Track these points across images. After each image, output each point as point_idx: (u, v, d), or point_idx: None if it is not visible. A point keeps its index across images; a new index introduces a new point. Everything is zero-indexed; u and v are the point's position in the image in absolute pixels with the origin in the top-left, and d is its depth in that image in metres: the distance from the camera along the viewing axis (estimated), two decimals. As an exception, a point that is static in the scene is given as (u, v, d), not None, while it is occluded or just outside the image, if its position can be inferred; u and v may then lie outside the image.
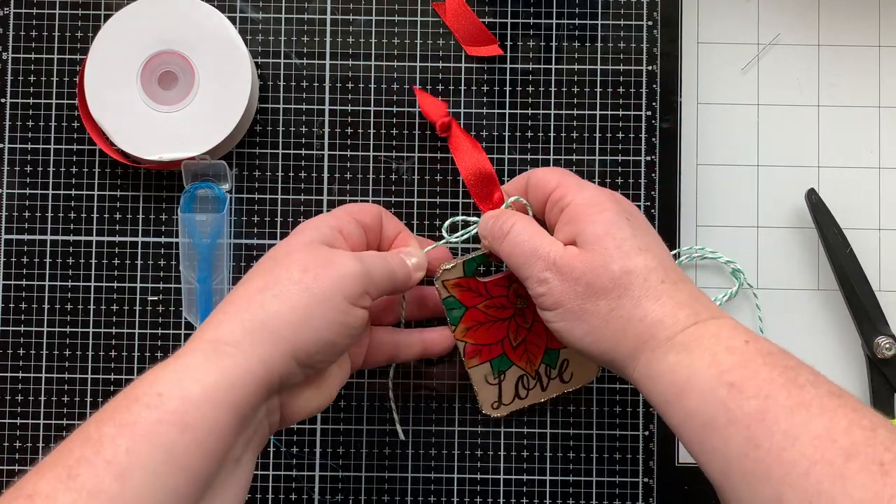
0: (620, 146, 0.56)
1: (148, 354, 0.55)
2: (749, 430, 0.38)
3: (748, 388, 0.39)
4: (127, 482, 0.36)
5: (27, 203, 0.56)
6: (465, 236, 0.54)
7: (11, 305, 0.56)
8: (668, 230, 0.56)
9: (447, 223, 0.54)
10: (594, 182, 0.56)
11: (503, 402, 0.55)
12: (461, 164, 0.54)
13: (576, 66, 0.57)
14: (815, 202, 0.55)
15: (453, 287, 0.53)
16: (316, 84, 0.57)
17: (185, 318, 0.56)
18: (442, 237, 0.53)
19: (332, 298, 0.43)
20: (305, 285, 0.43)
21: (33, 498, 0.36)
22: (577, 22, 0.57)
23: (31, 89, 0.56)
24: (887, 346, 0.54)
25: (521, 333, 0.54)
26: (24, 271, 0.56)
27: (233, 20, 0.56)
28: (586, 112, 0.57)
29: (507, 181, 0.54)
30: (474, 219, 0.53)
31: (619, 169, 0.56)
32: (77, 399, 0.56)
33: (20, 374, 0.56)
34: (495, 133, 0.57)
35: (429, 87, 0.57)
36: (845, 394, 0.39)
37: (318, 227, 0.46)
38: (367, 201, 0.56)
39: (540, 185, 0.49)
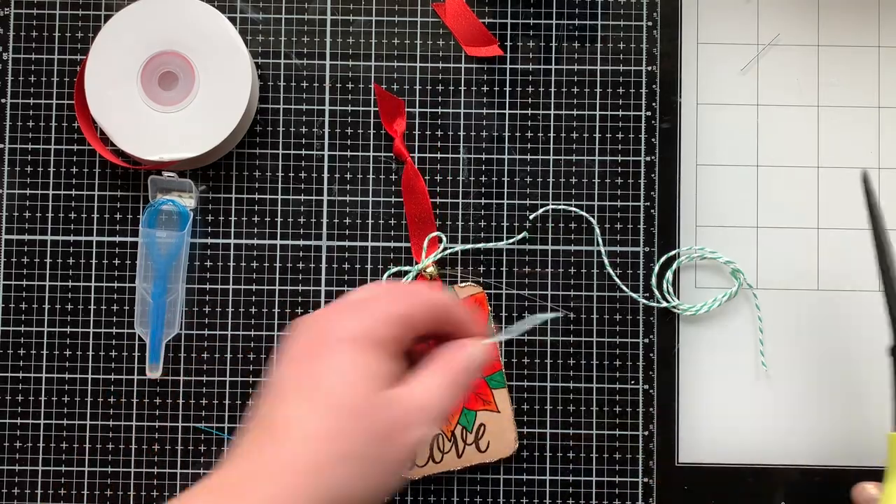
0: (620, 146, 0.56)
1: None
2: None
3: None
4: None
5: (27, 203, 0.56)
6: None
7: (11, 305, 0.56)
8: (668, 230, 0.56)
9: (387, 274, 0.55)
10: (594, 182, 0.56)
11: (416, 464, 0.54)
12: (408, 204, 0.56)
13: (576, 66, 0.57)
14: (868, 187, 0.51)
15: None
16: (316, 84, 0.57)
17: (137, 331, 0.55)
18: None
19: (403, 467, 0.38)
20: (381, 458, 0.38)
21: None
22: (577, 22, 0.57)
23: (31, 89, 0.57)
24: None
25: None
26: (25, 271, 0.56)
27: (233, 20, 0.56)
28: (586, 112, 0.57)
29: (508, 190, 0.54)
30: (409, 268, 0.55)
31: (619, 169, 0.56)
32: (77, 399, 0.56)
33: (20, 374, 0.56)
34: (495, 133, 0.57)
35: (429, 87, 0.57)
36: None
37: (377, 348, 0.39)
38: (368, 202, 0.56)
39: None
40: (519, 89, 0.57)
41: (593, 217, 0.56)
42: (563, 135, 0.57)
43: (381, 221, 0.56)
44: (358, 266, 0.56)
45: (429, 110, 0.57)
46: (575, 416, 0.56)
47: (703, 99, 0.57)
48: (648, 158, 0.56)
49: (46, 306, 0.56)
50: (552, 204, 0.56)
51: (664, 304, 0.56)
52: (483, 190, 0.56)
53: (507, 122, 0.57)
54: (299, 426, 0.37)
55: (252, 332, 0.56)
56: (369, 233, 0.56)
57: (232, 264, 0.56)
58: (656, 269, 0.56)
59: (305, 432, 0.37)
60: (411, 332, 0.40)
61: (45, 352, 0.56)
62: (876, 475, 0.55)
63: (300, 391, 0.38)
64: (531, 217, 0.56)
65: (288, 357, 0.39)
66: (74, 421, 0.55)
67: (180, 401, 0.56)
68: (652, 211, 0.56)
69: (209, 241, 0.56)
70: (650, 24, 0.57)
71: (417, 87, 0.57)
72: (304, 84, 0.57)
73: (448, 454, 0.54)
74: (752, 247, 0.57)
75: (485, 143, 0.57)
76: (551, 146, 0.56)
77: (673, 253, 0.56)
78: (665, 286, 0.56)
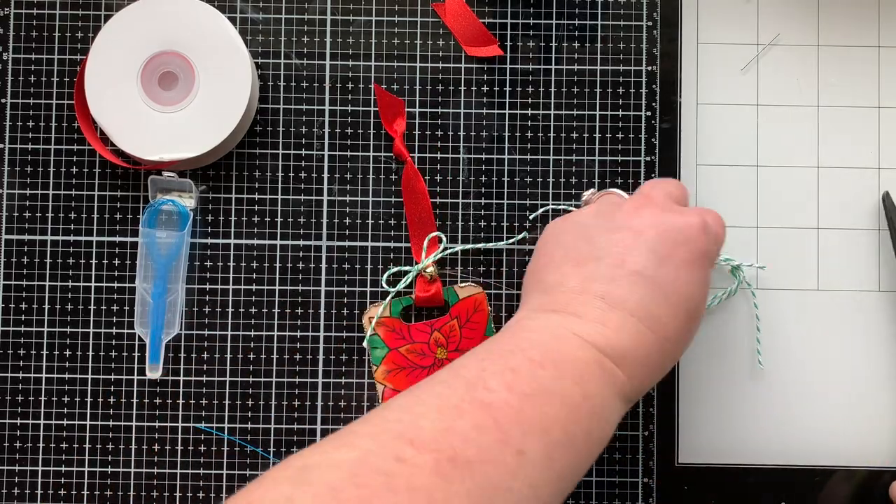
0: (620, 146, 0.56)
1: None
2: None
3: None
4: None
5: (27, 203, 0.56)
6: (403, 285, 0.55)
7: (11, 305, 0.56)
8: (668, 230, 0.56)
9: (387, 274, 0.55)
10: (593, 182, 0.56)
11: None
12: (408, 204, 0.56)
13: (576, 66, 0.57)
14: (888, 206, 0.55)
15: (378, 325, 0.54)
16: (316, 84, 0.57)
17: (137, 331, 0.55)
18: (384, 289, 0.55)
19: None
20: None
21: None
22: (577, 22, 0.57)
23: (31, 89, 0.57)
24: None
25: None
26: (24, 271, 0.56)
27: (233, 20, 0.56)
28: (586, 112, 0.57)
29: (507, 182, 0.54)
30: (408, 268, 0.55)
31: (619, 169, 0.56)
32: (77, 399, 0.56)
33: (20, 374, 0.56)
34: (495, 133, 0.57)
35: (429, 87, 0.57)
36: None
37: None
38: (368, 202, 0.56)
39: None
40: (519, 89, 0.57)
41: (593, 217, 0.56)
42: (563, 135, 0.57)
43: (381, 221, 0.56)
44: (358, 266, 0.56)
45: (429, 110, 0.57)
46: (575, 416, 0.56)
47: (703, 99, 0.57)
48: (648, 158, 0.56)
49: (46, 306, 0.56)
50: (552, 204, 0.56)
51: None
52: (483, 190, 0.56)
53: (507, 122, 0.57)
54: (665, 328, 0.43)
55: (252, 332, 0.56)
56: (369, 233, 0.56)
57: (232, 264, 0.56)
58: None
59: (669, 334, 0.43)
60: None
61: (45, 352, 0.56)
62: (877, 476, 0.55)
63: (665, 292, 0.43)
64: (531, 217, 0.56)
65: (642, 239, 0.44)
66: (74, 421, 0.55)
67: (180, 401, 0.56)
68: (652, 211, 0.56)
69: (209, 241, 0.56)
70: (650, 24, 0.57)
71: (417, 87, 0.57)
72: (304, 84, 0.57)
73: None
74: (752, 247, 0.57)
75: (485, 143, 0.57)
76: (551, 146, 0.56)
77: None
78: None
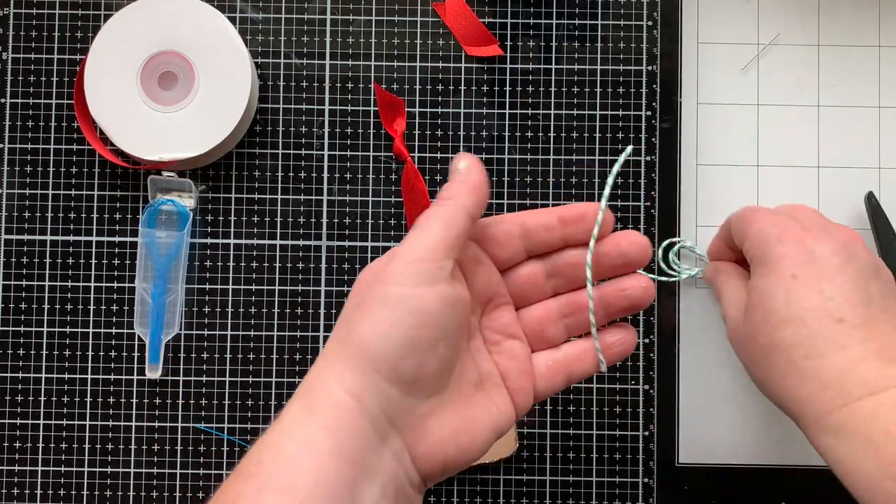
0: (620, 146, 0.56)
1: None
2: None
3: None
4: None
5: (27, 203, 0.56)
6: None
7: (11, 305, 0.56)
8: (668, 230, 0.56)
9: None
10: (594, 182, 0.56)
11: None
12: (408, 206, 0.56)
13: (576, 66, 0.57)
14: (874, 205, 0.55)
15: None
16: (316, 84, 0.57)
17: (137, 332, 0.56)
18: None
19: (382, 291, 0.37)
20: (358, 295, 0.39)
21: None
22: (577, 22, 0.57)
23: (31, 89, 0.57)
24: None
25: None
26: (24, 271, 0.56)
27: (233, 20, 0.56)
28: (586, 112, 0.57)
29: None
30: None
31: (619, 169, 0.56)
32: (77, 399, 0.56)
33: (20, 374, 0.56)
34: (495, 133, 0.57)
35: (429, 87, 0.57)
36: None
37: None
38: (368, 202, 0.56)
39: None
40: (519, 89, 0.57)
41: (593, 217, 0.56)
42: (563, 135, 0.57)
43: (381, 221, 0.56)
44: (358, 266, 0.56)
45: (429, 110, 0.57)
46: (575, 416, 0.56)
47: (703, 99, 0.57)
48: (648, 158, 0.56)
49: (46, 306, 0.56)
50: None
51: (673, 277, 0.56)
52: (483, 190, 0.56)
53: (507, 122, 0.57)
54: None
55: (252, 332, 0.56)
56: (369, 233, 0.56)
57: (232, 264, 0.56)
58: (660, 252, 0.56)
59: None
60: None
61: (44, 352, 0.56)
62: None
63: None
64: None
65: None
66: (74, 421, 0.55)
67: (180, 401, 0.56)
68: (652, 211, 0.56)
69: (209, 241, 0.56)
70: (650, 24, 0.57)
71: (417, 87, 0.57)
72: (304, 84, 0.57)
73: None
74: (752, 247, 0.57)
75: (485, 143, 0.57)
76: (551, 146, 0.56)
77: (666, 243, 0.56)
78: (671, 258, 0.55)
